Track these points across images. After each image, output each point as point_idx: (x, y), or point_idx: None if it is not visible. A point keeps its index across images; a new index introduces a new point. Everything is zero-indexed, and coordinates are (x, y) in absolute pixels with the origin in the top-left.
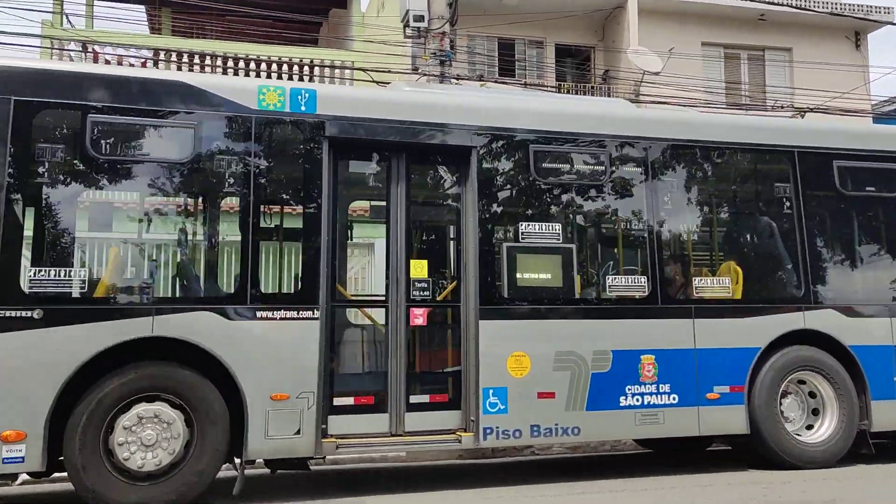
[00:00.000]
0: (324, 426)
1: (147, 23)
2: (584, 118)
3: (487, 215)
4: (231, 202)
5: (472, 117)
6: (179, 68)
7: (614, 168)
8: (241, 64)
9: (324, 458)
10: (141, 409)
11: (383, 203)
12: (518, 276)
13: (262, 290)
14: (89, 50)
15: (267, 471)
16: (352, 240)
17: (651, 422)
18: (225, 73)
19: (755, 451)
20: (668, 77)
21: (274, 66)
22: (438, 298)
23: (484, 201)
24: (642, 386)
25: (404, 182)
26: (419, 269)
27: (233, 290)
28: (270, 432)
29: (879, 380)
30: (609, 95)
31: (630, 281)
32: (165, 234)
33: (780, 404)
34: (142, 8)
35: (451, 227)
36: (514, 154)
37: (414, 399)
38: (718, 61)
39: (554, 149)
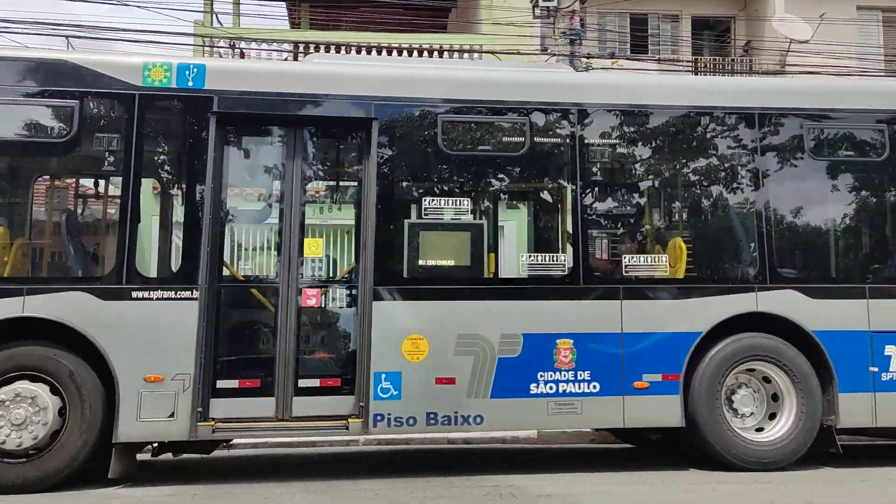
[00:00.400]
0: (200, 409)
1: (287, 18)
2: (501, 85)
3: (387, 190)
4: (111, 181)
5: (373, 87)
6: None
7: (536, 138)
8: (374, 53)
9: (229, 442)
10: (7, 389)
11: (279, 180)
12: (420, 254)
13: (140, 271)
14: (236, 46)
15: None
16: (247, 219)
17: (567, 412)
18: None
19: (698, 448)
20: (819, 45)
21: (404, 54)
22: (336, 278)
23: (384, 176)
24: (557, 373)
25: (300, 158)
26: (314, 247)
27: (108, 270)
28: (143, 414)
29: (850, 370)
30: (751, 68)
31: (548, 259)
32: (44, 213)
33: (731, 397)
34: (283, 4)
35: (352, 204)
36: (420, 125)
37: (303, 383)
38: (876, 26)
39: (466, 119)
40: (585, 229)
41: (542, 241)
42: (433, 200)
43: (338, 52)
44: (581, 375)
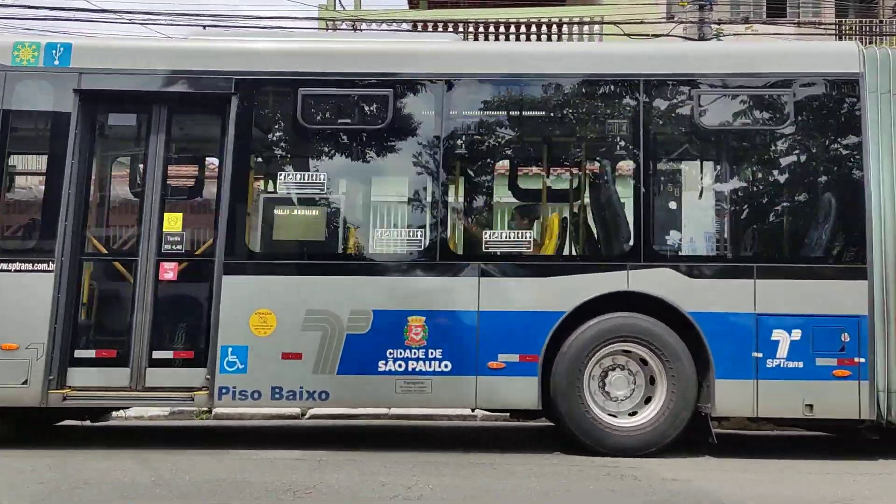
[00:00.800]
0: (52, 377)
1: None
2: (362, 57)
3: (242, 165)
4: None
5: (232, 62)
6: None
7: (400, 110)
8: (492, 28)
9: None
10: None
11: (142, 156)
12: (273, 228)
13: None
14: (358, 28)
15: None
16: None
17: (416, 390)
18: (476, 38)
19: (561, 432)
20: None
21: (523, 28)
22: (197, 253)
23: (240, 150)
24: (407, 350)
25: (163, 133)
26: (173, 222)
27: None
28: None
29: (729, 355)
30: None
31: (403, 234)
32: None
33: (604, 379)
34: None
35: (213, 180)
36: (279, 99)
37: (157, 355)
38: None
39: (326, 92)
40: (445, 205)
41: (400, 215)
42: (289, 175)
43: (456, 29)
44: (432, 354)
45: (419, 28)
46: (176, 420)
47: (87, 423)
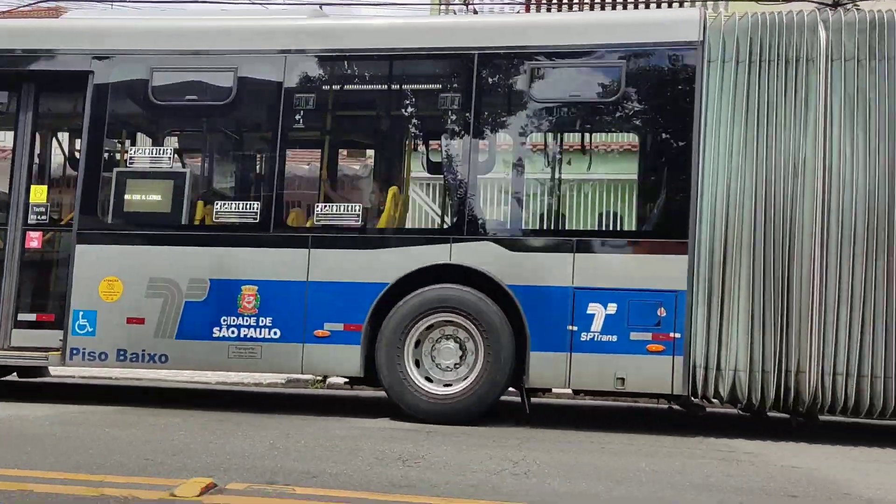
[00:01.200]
0: None
1: None
2: (209, 34)
3: (97, 139)
4: None
5: (90, 41)
6: (549, 10)
7: (243, 86)
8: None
9: None
10: None
11: (13, 132)
12: (122, 200)
13: None
14: (469, 3)
15: None
16: None
17: (247, 356)
18: (592, 8)
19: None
20: None
21: None
22: (62, 223)
23: (95, 125)
24: (240, 318)
25: (30, 111)
26: (38, 194)
27: None
28: None
29: (544, 327)
30: None
31: (239, 207)
32: None
33: (434, 347)
34: None
35: (77, 154)
36: (132, 76)
37: (22, 317)
38: None
39: (176, 69)
40: (281, 178)
41: (238, 189)
42: (139, 150)
43: (570, 2)
44: (263, 321)
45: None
46: (292, 388)
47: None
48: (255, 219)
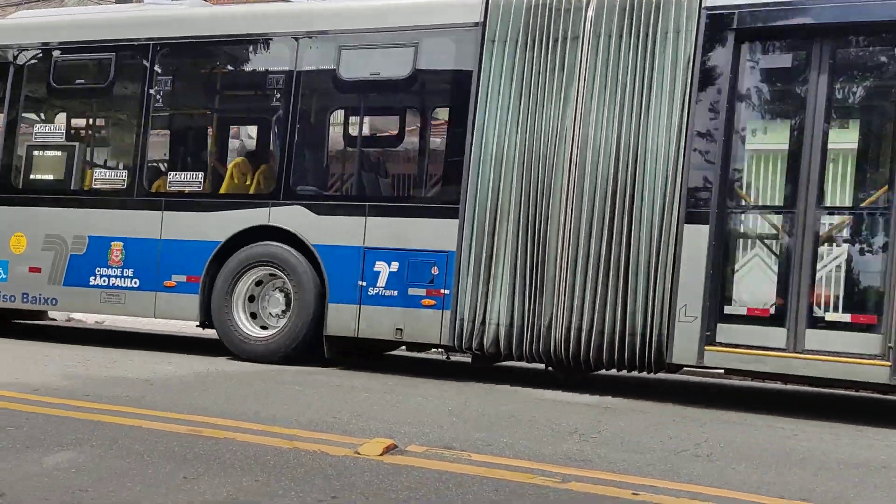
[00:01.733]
0: None
1: None
2: (99, 25)
3: (12, 118)
4: None
5: (13, 36)
6: None
7: (119, 71)
8: None
9: None
10: None
11: None
12: (27, 169)
13: None
14: None
15: None
16: None
17: (115, 301)
18: None
19: None
20: None
21: None
22: None
23: (11, 107)
24: (110, 269)
25: None
26: None
27: None
28: None
29: (340, 282)
30: None
31: (111, 175)
32: None
33: (265, 295)
34: None
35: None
36: (41, 65)
37: None
38: None
39: (68, 57)
40: (145, 149)
41: (114, 160)
42: (41, 126)
43: None
44: (126, 272)
45: None
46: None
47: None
48: (124, 185)
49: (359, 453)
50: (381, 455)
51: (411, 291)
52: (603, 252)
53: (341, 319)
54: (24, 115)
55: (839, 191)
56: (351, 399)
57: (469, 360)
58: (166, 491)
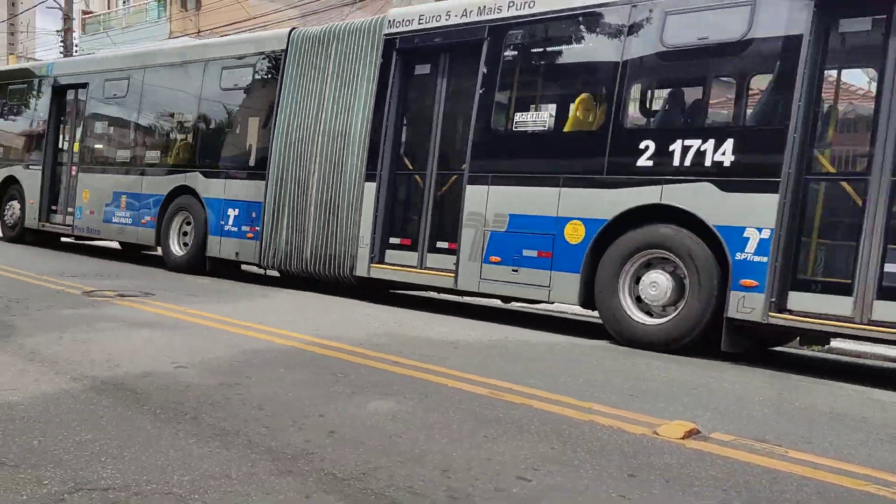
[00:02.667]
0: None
1: None
2: None
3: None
4: None
5: None
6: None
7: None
8: None
9: None
10: None
11: None
12: None
13: None
14: None
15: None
16: None
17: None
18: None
19: None
20: None
21: None
22: None
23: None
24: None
25: None
26: None
27: None
28: None
29: (215, 221)
30: None
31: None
32: None
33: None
34: None
35: None
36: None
37: None
38: None
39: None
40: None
41: None
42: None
43: None
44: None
45: None
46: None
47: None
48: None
49: (658, 434)
50: (682, 438)
51: (243, 228)
52: (327, 202)
53: (215, 248)
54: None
55: (451, 158)
56: (649, 378)
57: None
58: (468, 447)
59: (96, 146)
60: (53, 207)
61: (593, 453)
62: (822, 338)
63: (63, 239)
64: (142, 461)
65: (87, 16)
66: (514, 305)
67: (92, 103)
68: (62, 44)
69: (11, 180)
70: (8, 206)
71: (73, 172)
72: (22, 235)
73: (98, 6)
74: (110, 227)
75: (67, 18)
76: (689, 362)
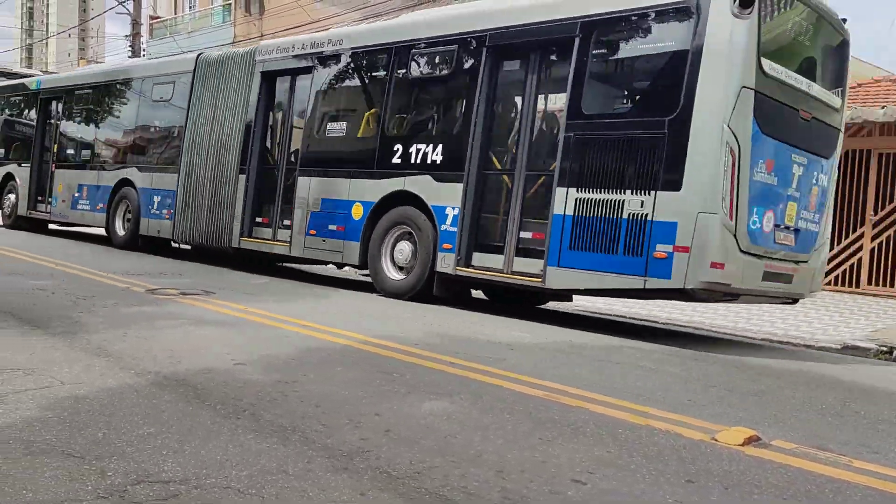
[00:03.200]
0: None
1: None
2: None
3: None
4: None
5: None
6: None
7: None
8: None
9: None
10: None
11: None
12: None
13: None
14: None
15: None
16: None
17: None
18: None
19: None
20: None
21: None
22: None
23: None
24: None
25: None
26: None
27: None
28: None
29: (146, 208)
30: None
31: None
32: None
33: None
34: None
35: None
36: None
37: None
38: None
39: None
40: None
41: None
42: None
43: None
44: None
45: None
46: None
47: None
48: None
49: (716, 440)
50: (741, 445)
51: (164, 213)
52: (215, 190)
53: (146, 228)
54: None
55: (294, 158)
56: (706, 383)
57: None
58: (523, 448)
59: (67, 148)
60: (39, 198)
61: (650, 458)
62: (566, 296)
63: (50, 226)
64: (201, 455)
65: (154, 21)
66: (572, 307)
67: (65, 113)
68: (130, 48)
69: (9, 176)
70: (6, 199)
71: (53, 169)
72: (17, 223)
73: (165, 11)
74: (75, 212)
75: (136, 24)
76: (741, 361)
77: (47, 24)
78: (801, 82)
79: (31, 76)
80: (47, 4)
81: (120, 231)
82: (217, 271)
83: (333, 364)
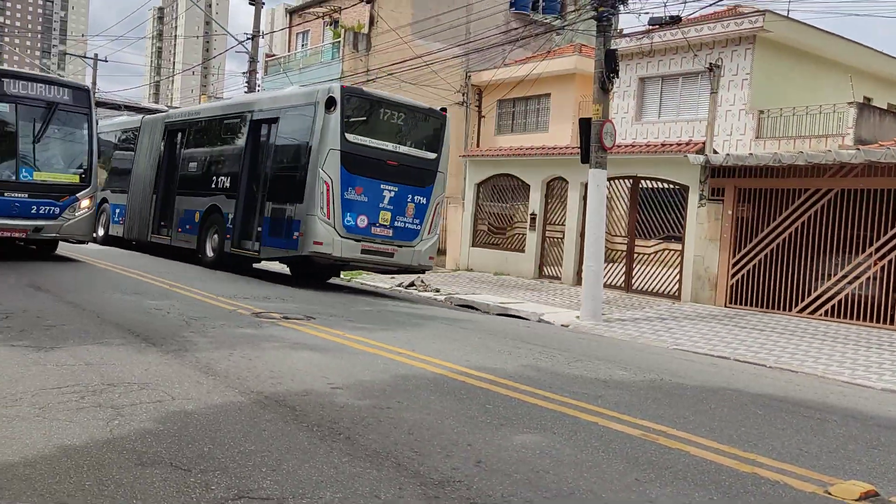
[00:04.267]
0: None
1: None
2: None
3: None
4: None
5: None
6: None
7: None
8: None
9: None
10: None
11: None
12: None
13: None
14: None
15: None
16: None
17: None
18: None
19: None
20: None
21: None
22: None
23: None
24: None
25: None
26: None
27: None
28: None
29: (113, 216)
30: None
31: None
32: None
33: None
34: None
35: None
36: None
37: None
38: None
39: None
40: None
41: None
42: None
43: None
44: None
45: None
46: None
47: None
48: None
49: (830, 493)
50: (857, 500)
51: (121, 220)
52: (142, 206)
53: (111, 231)
54: None
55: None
56: (822, 432)
57: None
58: (619, 488)
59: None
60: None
61: None
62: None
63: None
64: (298, 475)
65: (269, 59)
66: (670, 343)
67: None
68: (247, 84)
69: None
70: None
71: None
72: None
73: (279, 49)
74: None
75: (253, 61)
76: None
77: (173, 62)
78: (387, 145)
79: (158, 111)
80: (174, 45)
81: (100, 234)
82: (318, 297)
83: (426, 392)
